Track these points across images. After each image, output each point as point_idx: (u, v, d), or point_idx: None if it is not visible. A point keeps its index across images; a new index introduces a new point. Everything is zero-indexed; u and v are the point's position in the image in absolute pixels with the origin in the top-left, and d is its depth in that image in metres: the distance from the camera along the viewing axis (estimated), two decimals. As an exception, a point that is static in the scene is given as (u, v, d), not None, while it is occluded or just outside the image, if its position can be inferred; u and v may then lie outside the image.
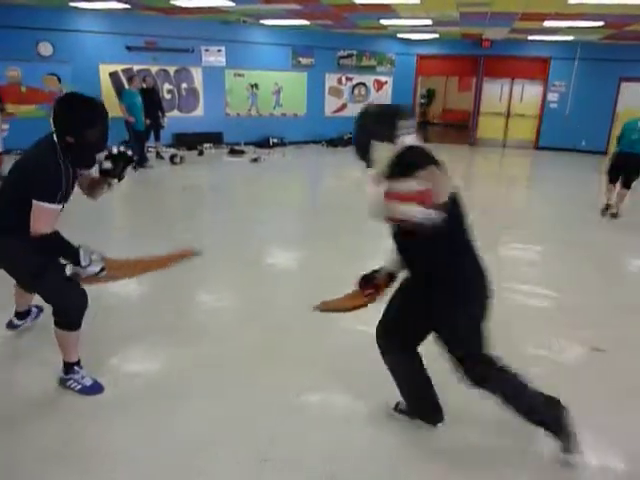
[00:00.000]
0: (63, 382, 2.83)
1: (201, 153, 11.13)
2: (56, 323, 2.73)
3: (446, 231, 2.02)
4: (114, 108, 10.91)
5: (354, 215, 5.99)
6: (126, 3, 9.25)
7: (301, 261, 5.06)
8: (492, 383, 2.30)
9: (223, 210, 6.86)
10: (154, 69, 11.17)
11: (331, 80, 13.52)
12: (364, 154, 2.21)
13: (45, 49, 10.25)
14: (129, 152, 2.90)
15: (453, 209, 2.08)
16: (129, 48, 10.90)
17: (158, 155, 10.03)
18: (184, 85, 11.68)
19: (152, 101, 9.43)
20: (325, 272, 4.51)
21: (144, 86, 9.56)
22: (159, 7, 9.74)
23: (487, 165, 12.14)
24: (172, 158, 9.71)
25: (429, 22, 10.26)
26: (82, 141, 2.51)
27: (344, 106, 13.77)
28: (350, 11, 9.37)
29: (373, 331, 2.46)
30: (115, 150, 2.84)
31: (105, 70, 10.88)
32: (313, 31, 12.50)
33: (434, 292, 2.24)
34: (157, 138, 10.00)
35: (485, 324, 2.25)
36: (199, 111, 12.01)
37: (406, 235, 2.14)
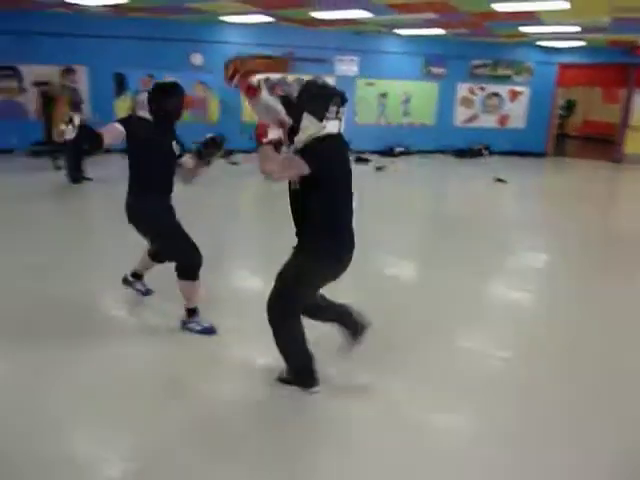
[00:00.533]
0: (185, 325, 3.50)
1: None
2: (181, 276, 3.38)
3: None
4: (252, 114, 11.68)
5: (478, 227, 5.81)
6: (270, 16, 9.85)
7: (424, 276, 5.00)
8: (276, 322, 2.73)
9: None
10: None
11: (463, 90, 13.19)
12: (297, 118, 2.54)
13: (196, 59, 11.26)
14: (218, 139, 3.50)
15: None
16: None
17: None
18: (316, 94, 12.10)
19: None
20: (450, 288, 4.42)
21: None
22: (300, 19, 10.23)
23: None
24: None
25: (577, 29, 9.60)
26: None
27: (475, 116, 13.37)
28: (490, 19, 9.08)
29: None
30: (208, 137, 3.50)
31: (246, 79, 11.65)
32: (446, 40, 12.30)
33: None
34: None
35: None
36: (329, 119, 12.36)
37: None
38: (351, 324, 2.91)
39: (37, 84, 10.15)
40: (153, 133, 3.36)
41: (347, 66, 12.13)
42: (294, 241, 2.70)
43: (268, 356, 3.00)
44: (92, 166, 8.54)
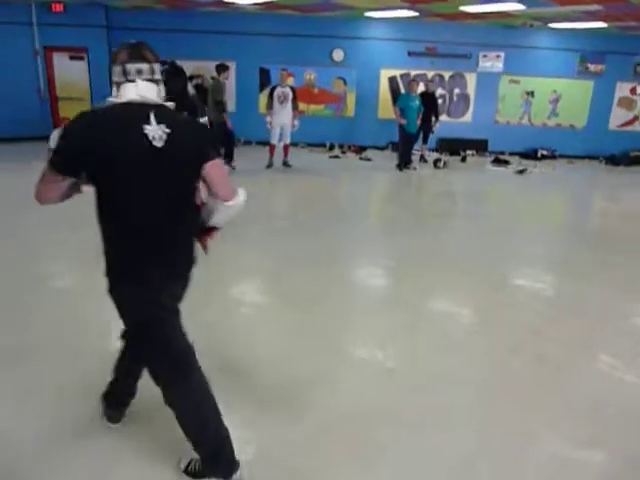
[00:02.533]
0: None
1: (464, 159, 11.01)
2: None
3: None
4: (387, 111, 11.63)
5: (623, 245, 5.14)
6: (416, 11, 9.65)
7: (562, 290, 4.53)
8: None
9: (476, 220, 6.54)
10: (430, 74, 11.44)
11: (623, 89, 11.88)
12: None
13: (338, 55, 11.41)
14: None
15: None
16: (410, 53, 11.38)
17: (422, 158, 10.27)
18: (456, 90, 11.69)
19: (431, 105, 9.69)
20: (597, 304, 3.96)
21: (426, 90, 9.91)
22: (445, 14, 9.90)
23: None
24: (435, 162, 9.83)
25: None
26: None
27: (635, 119, 11.98)
28: (669, 10, 8.03)
29: None
30: None
31: (385, 75, 11.59)
32: (607, 34, 11.13)
33: None
34: (425, 141, 10.25)
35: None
36: (467, 117, 11.88)
37: None
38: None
39: (190, 78, 10.91)
40: None
41: (491, 62, 11.51)
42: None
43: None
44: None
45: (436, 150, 11.29)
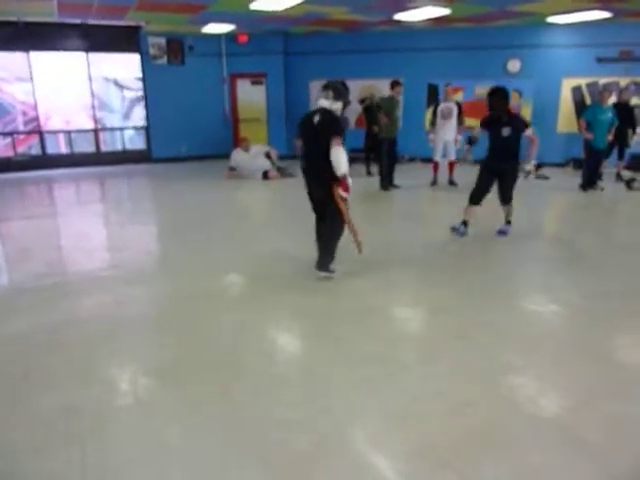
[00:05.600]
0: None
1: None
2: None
3: None
4: (571, 124, 10.51)
5: None
6: (609, 11, 8.57)
7: None
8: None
9: None
10: (623, 82, 10.07)
11: None
12: None
13: (514, 66, 10.66)
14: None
15: None
16: (600, 60, 10.16)
17: (618, 176, 9.05)
18: (658, 99, 10.11)
19: (626, 117, 8.49)
20: None
21: (619, 100, 8.74)
22: (647, 12, 8.64)
23: None
24: (629, 182, 8.53)
25: None
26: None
27: None
28: None
29: None
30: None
31: (568, 84, 10.51)
32: None
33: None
34: (620, 157, 9.03)
35: None
36: (671, 129, 10.19)
37: None
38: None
39: (361, 101, 11.09)
40: None
41: None
42: None
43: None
44: (398, 173, 8.84)
45: (629, 168, 9.86)
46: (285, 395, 2.74)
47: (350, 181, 4.11)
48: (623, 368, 3.06)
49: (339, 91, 4.20)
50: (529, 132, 5.42)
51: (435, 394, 2.75)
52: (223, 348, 3.28)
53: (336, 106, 4.19)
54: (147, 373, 2.97)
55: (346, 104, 4.28)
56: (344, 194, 4.11)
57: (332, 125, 4.08)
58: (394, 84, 8.32)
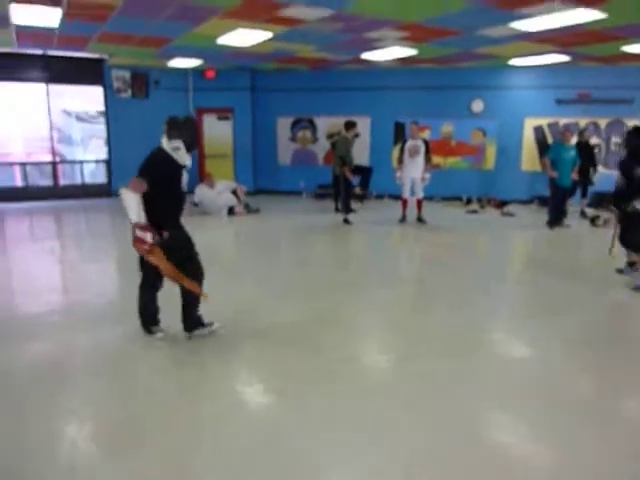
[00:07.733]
0: None
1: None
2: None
3: None
4: (534, 162, 10.73)
5: None
6: (568, 55, 8.86)
7: None
8: None
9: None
10: (582, 122, 10.38)
11: None
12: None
13: (477, 106, 10.88)
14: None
15: None
16: (559, 101, 10.48)
17: (582, 214, 9.21)
18: (615, 139, 10.44)
19: (587, 156, 8.70)
20: None
21: (581, 140, 8.97)
22: (603, 56, 8.97)
23: None
24: (593, 220, 8.65)
25: None
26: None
27: None
28: None
29: None
30: None
31: (530, 124, 10.77)
32: None
33: None
34: (584, 195, 9.24)
35: None
36: (628, 168, 10.51)
37: None
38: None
39: (329, 136, 11.13)
40: None
41: (659, 107, 10.15)
42: None
43: None
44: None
45: (590, 205, 10.06)
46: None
47: (145, 234, 3.27)
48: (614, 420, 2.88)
49: (174, 127, 3.56)
50: None
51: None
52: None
53: (173, 145, 3.50)
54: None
55: (187, 144, 3.57)
56: (142, 246, 3.29)
57: (142, 165, 3.43)
58: (348, 125, 8.56)
